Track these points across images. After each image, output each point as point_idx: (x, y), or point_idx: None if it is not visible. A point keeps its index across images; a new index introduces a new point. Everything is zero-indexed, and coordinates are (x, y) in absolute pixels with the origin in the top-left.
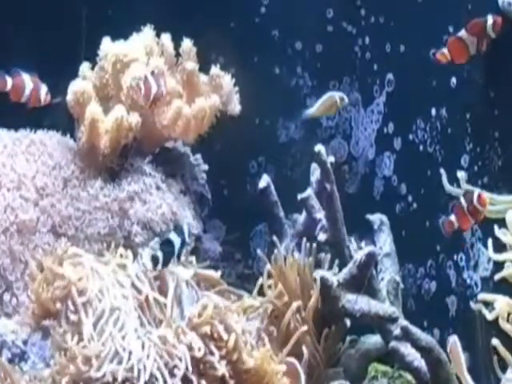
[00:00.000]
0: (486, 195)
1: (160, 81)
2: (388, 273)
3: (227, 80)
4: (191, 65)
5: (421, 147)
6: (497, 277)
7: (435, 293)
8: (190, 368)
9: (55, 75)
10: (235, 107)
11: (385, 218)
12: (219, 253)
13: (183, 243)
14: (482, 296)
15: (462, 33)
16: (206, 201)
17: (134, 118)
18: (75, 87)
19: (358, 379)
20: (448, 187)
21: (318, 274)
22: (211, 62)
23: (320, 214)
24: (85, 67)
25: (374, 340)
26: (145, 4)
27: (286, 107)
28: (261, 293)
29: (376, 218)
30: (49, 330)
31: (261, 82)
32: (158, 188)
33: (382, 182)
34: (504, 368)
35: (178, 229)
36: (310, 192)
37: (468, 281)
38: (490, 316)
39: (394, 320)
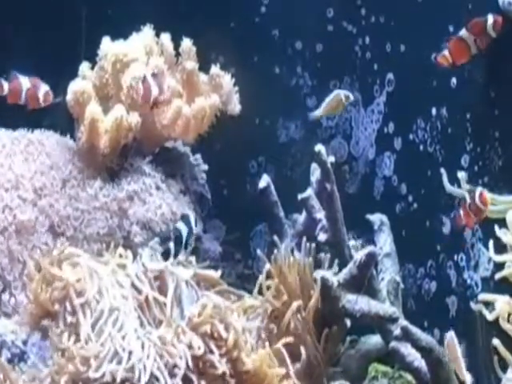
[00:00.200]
0: (485, 193)
1: (162, 83)
2: (388, 273)
3: (227, 80)
4: (191, 64)
5: (421, 147)
6: (497, 276)
7: (435, 293)
8: (191, 367)
9: (55, 75)
10: (235, 107)
11: (385, 218)
12: (219, 253)
13: (190, 232)
14: (483, 296)
15: (463, 32)
16: (206, 201)
17: (134, 118)
18: (75, 87)
19: (359, 379)
20: (448, 187)
21: (319, 274)
22: (211, 62)
23: (320, 214)
24: (84, 67)
25: (374, 340)
26: (144, 4)
27: (286, 107)
28: (261, 293)
29: (376, 218)
30: (48, 331)
31: (261, 81)
32: (157, 188)
33: (383, 181)
34: (504, 368)
35: (185, 218)
36: (310, 192)
37: (468, 281)
38: (490, 316)
39: (394, 320)
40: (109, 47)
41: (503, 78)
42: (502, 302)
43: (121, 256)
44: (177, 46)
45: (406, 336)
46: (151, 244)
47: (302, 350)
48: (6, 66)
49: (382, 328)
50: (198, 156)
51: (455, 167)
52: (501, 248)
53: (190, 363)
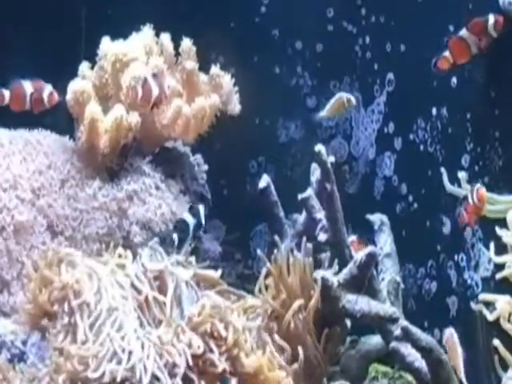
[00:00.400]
0: (482, 189)
1: (162, 83)
2: (388, 273)
3: (227, 79)
4: (191, 64)
5: (421, 147)
6: (498, 276)
7: (436, 293)
8: (191, 367)
9: (55, 75)
10: (235, 107)
11: (385, 218)
12: (219, 253)
13: (199, 225)
14: (483, 296)
15: (463, 32)
16: (206, 201)
17: (134, 118)
18: (75, 87)
19: (359, 380)
20: (449, 187)
21: (319, 274)
22: (211, 62)
23: (320, 214)
24: (84, 67)
25: (374, 340)
26: (144, 3)
27: (286, 107)
28: (261, 292)
29: (376, 218)
30: (47, 331)
31: (261, 81)
32: (157, 188)
33: (383, 181)
34: (505, 368)
35: (194, 210)
36: (310, 192)
37: (469, 281)
38: (490, 316)
39: (394, 320)
40: (108, 47)
41: (503, 78)
42: (502, 301)
43: (120, 256)
44: (177, 46)
45: (407, 336)
46: (151, 244)
47: (302, 350)
48: (6, 70)
49: (383, 328)
50: (198, 156)
51: (455, 167)
52: (501, 248)
53: (190, 363)
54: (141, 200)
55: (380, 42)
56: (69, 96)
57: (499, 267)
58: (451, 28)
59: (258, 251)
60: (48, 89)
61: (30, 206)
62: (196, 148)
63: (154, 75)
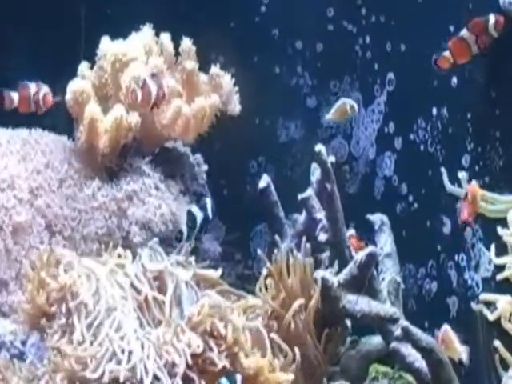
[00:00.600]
0: (474, 186)
1: (161, 82)
2: (389, 273)
3: (227, 79)
4: (191, 64)
5: (422, 147)
6: (498, 277)
7: (436, 293)
8: (190, 367)
9: (54, 75)
10: (235, 107)
11: (385, 218)
12: (219, 253)
13: (207, 219)
14: (484, 296)
15: (464, 32)
16: None
17: (134, 118)
18: (74, 87)
19: (359, 380)
20: (449, 187)
21: (319, 274)
22: (211, 62)
23: (320, 214)
24: (84, 67)
25: (374, 341)
26: (144, 3)
27: (286, 107)
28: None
29: (377, 218)
30: (46, 331)
31: (261, 81)
32: (157, 188)
33: (383, 181)
34: (506, 368)
35: (202, 203)
36: (310, 192)
37: (469, 281)
38: (491, 316)
39: (394, 321)
40: (108, 47)
41: (504, 78)
42: (503, 301)
43: (120, 256)
44: (176, 46)
45: (407, 336)
46: (150, 244)
47: (302, 350)
48: (6, 70)
49: (383, 328)
50: (198, 155)
51: (456, 167)
52: (502, 248)
53: (190, 362)
54: (140, 200)
55: (380, 42)
56: (68, 96)
57: (500, 268)
58: (451, 28)
59: (259, 251)
60: (43, 90)
61: (28, 205)
62: (196, 148)
63: (153, 75)
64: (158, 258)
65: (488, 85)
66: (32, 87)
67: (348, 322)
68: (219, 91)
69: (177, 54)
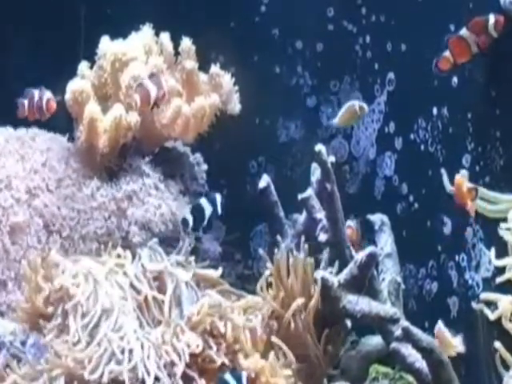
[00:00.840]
0: (461, 176)
1: (160, 81)
2: (389, 273)
3: (227, 79)
4: (190, 64)
5: (422, 147)
6: (498, 280)
7: (436, 293)
8: (190, 366)
9: (54, 74)
10: (235, 106)
11: (386, 219)
12: (219, 253)
13: (215, 213)
14: (485, 295)
15: (464, 31)
16: None
17: (133, 117)
18: (74, 86)
19: (359, 380)
20: (449, 187)
21: (319, 274)
22: (211, 61)
23: (320, 214)
24: (83, 66)
25: (374, 341)
26: (144, 3)
27: (286, 107)
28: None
29: (377, 218)
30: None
31: (261, 81)
32: (156, 188)
33: (383, 181)
34: (506, 368)
35: (211, 197)
36: (310, 192)
37: (470, 281)
38: (492, 316)
39: (395, 321)
40: (108, 46)
41: (504, 78)
42: (505, 301)
43: (119, 256)
44: (176, 46)
45: (407, 337)
46: (150, 244)
47: (303, 350)
48: (6, 70)
49: (383, 329)
50: (198, 155)
51: (456, 167)
52: (502, 249)
53: (190, 361)
54: (140, 200)
55: (380, 42)
56: (68, 96)
57: (500, 269)
58: (452, 27)
59: (260, 250)
60: (44, 97)
61: (25, 205)
62: (196, 148)
63: (151, 75)
64: (158, 258)
65: (488, 84)
66: (36, 94)
67: (348, 323)
68: (219, 91)
69: (176, 53)
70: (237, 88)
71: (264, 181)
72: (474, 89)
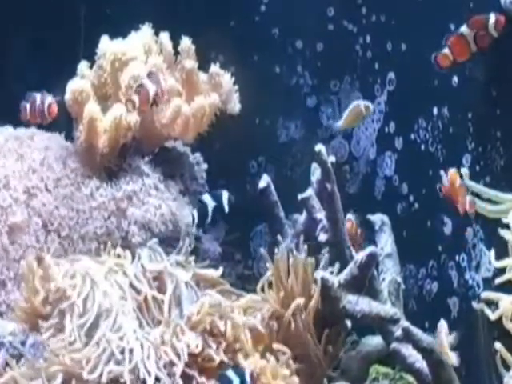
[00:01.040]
0: (455, 172)
1: (158, 79)
2: (389, 273)
3: (227, 78)
4: (190, 63)
5: (422, 147)
6: (498, 280)
7: (437, 294)
8: (190, 365)
9: (54, 74)
10: (235, 106)
11: (386, 219)
12: (219, 253)
13: (221, 210)
14: (486, 294)
15: (464, 29)
16: None
17: (133, 117)
18: (73, 86)
19: (359, 381)
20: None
21: (319, 274)
22: (211, 61)
23: (320, 215)
24: (83, 66)
25: (375, 341)
26: (143, 2)
27: (286, 107)
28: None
29: (377, 218)
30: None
31: (261, 80)
32: (156, 188)
33: (383, 181)
34: (507, 368)
35: (216, 193)
36: (310, 192)
37: (470, 281)
38: (493, 316)
39: (395, 321)
40: (107, 46)
41: (505, 77)
42: (506, 301)
43: (119, 256)
44: (176, 45)
45: (407, 337)
46: (150, 244)
47: (303, 350)
48: (5, 70)
49: (383, 329)
50: (198, 154)
51: (457, 167)
52: (503, 249)
53: (190, 361)
54: (140, 200)
55: (381, 41)
56: (68, 95)
57: (501, 269)
58: (452, 27)
59: (261, 250)
60: (47, 101)
61: (24, 205)
62: (196, 147)
63: (150, 73)
64: (158, 258)
65: (489, 84)
66: (37, 98)
67: (348, 323)
68: (219, 90)
69: (176, 53)
70: (237, 87)
71: (264, 181)
72: (474, 88)
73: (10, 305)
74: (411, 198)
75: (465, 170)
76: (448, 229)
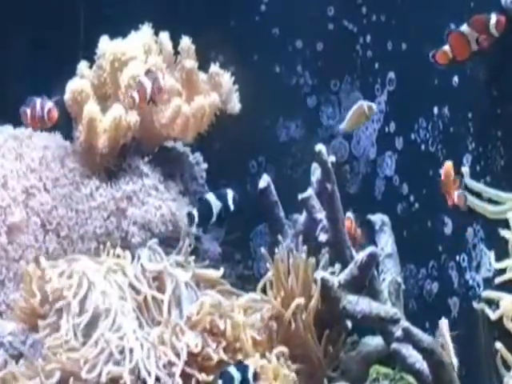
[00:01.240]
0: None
1: (156, 77)
2: (389, 274)
3: (227, 78)
4: (190, 63)
5: (423, 147)
6: (497, 280)
7: (437, 294)
8: (190, 364)
9: (53, 74)
10: (235, 106)
11: (386, 219)
12: (219, 253)
13: (227, 210)
14: (487, 293)
15: (464, 28)
16: None
17: (133, 117)
18: (73, 86)
19: (360, 381)
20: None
21: (319, 274)
22: (211, 60)
23: (321, 215)
24: (83, 66)
25: (375, 342)
26: (143, 2)
27: (286, 107)
28: (263, 292)
29: (377, 218)
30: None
31: (261, 80)
32: (156, 188)
33: (384, 181)
34: (507, 368)
35: (220, 192)
36: (310, 192)
37: (470, 282)
38: (493, 316)
39: (395, 321)
40: (107, 46)
41: (505, 77)
42: (507, 301)
43: (119, 256)
44: (176, 45)
45: (408, 337)
46: (150, 244)
47: (303, 350)
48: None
49: (383, 329)
50: (198, 154)
51: (457, 167)
52: (503, 249)
53: (190, 360)
54: (140, 200)
55: (381, 41)
56: (67, 95)
57: (501, 271)
58: (452, 27)
59: (262, 249)
60: (46, 107)
61: (23, 205)
62: (195, 147)
63: (148, 71)
64: (158, 259)
65: (489, 84)
66: (37, 103)
67: (348, 323)
68: (219, 90)
69: (176, 52)
70: (236, 87)
71: (264, 181)
72: (474, 88)
73: (9, 305)
74: (411, 198)
75: (465, 169)
76: (448, 229)
